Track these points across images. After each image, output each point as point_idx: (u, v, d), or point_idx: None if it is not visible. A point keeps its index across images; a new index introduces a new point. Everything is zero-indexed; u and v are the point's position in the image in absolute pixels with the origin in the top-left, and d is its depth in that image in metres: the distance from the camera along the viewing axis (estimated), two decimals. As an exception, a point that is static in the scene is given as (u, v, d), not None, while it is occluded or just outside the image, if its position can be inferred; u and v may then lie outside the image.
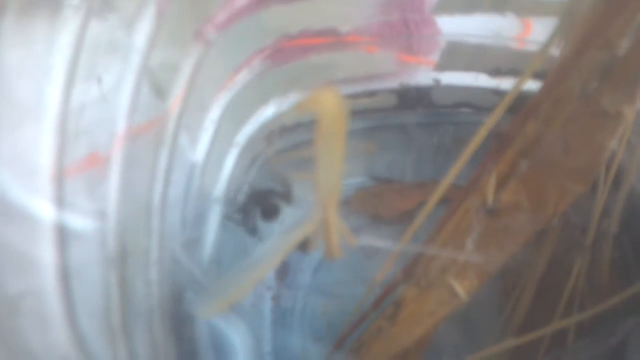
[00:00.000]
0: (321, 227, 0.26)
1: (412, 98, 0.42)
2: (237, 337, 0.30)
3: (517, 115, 0.30)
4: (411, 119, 0.44)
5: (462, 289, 0.32)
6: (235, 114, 0.38)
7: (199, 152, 0.34)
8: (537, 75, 0.36)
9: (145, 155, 0.28)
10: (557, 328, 0.35)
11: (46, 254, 0.18)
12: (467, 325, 0.40)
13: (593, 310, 0.34)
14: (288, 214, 0.40)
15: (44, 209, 0.18)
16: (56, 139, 0.19)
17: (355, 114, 0.44)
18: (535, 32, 0.39)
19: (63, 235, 0.18)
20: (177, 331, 0.28)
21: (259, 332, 0.45)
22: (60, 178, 0.19)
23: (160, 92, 0.29)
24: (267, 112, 0.40)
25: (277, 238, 0.27)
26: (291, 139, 0.43)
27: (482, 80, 0.41)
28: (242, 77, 0.36)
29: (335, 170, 0.23)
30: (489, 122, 0.31)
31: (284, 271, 0.47)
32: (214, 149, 0.36)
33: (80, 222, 0.20)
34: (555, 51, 0.31)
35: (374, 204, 0.47)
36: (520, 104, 0.31)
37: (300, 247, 0.48)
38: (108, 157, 0.24)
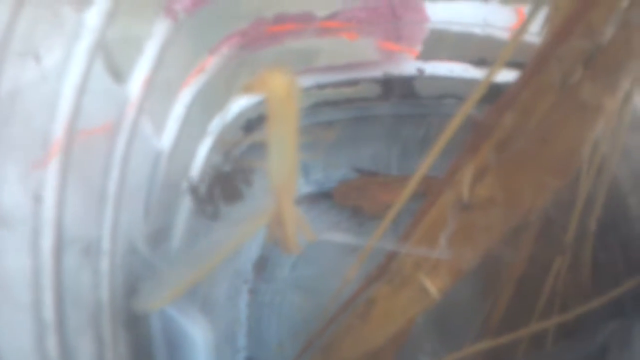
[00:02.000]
0: (276, 219, 0.25)
1: (396, 88, 0.41)
2: (197, 332, 0.29)
3: (495, 105, 0.29)
4: (395, 110, 0.42)
5: (433, 286, 0.30)
6: (207, 101, 0.36)
7: (165, 139, 0.33)
8: (515, 65, 0.34)
9: (98, 141, 0.26)
10: (536, 330, 0.33)
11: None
12: (443, 326, 0.38)
13: (573, 312, 0.32)
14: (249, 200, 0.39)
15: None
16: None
17: (337, 104, 0.42)
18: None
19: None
20: (129, 327, 0.27)
21: (234, 326, 0.44)
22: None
23: (117, 73, 0.27)
24: (243, 100, 0.39)
25: (231, 227, 0.26)
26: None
27: (467, 71, 0.39)
28: (215, 61, 0.35)
29: (288, 157, 0.21)
30: (461, 113, 0.29)
31: (262, 265, 0.46)
32: (183, 137, 0.35)
33: (8, 205, 0.18)
34: (533, 39, 0.30)
35: (357, 197, 0.46)
36: (498, 93, 0.30)
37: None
38: (49, 142, 0.22)
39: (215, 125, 0.38)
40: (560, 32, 0.27)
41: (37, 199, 0.21)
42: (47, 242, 0.20)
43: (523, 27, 0.28)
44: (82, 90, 0.24)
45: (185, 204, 0.37)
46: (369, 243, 0.32)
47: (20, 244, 0.20)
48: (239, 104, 0.39)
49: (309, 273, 0.45)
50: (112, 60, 0.26)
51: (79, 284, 0.23)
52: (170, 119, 0.33)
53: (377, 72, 0.40)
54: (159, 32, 0.30)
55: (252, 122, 0.41)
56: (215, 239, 0.25)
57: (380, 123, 0.44)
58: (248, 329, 0.44)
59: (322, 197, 0.46)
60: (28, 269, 0.19)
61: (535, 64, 0.28)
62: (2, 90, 0.20)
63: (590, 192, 0.31)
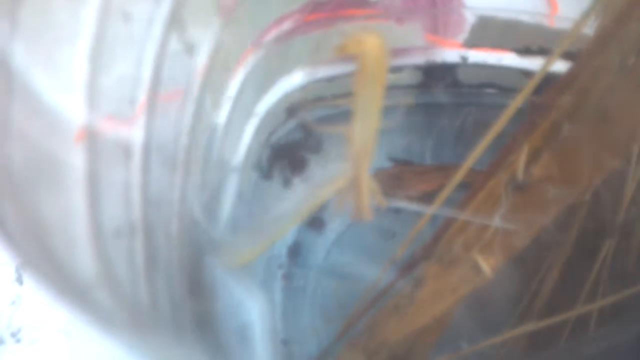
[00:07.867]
0: (351, 185, 0.25)
1: (438, 76, 0.41)
2: (254, 305, 0.29)
3: (553, 87, 0.29)
4: (435, 99, 0.43)
5: (487, 265, 0.31)
6: (257, 81, 0.37)
7: (220, 116, 0.34)
8: (567, 56, 0.35)
9: (170, 108, 0.27)
10: (579, 313, 0.34)
11: (75, 159, 0.17)
12: (485, 311, 0.39)
13: (618, 295, 0.33)
14: (316, 168, 0.39)
15: (77, 112, 0.17)
16: (90, 62, 0.18)
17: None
18: (563, 11, 0.38)
19: (93, 143, 0.17)
20: (196, 296, 0.27)
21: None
22: (94, 90, 0.18)
23: (189, 46, 0.28)
24: (290, 82, 0.39)
25: (303, 194, 0.26)
26: (313, 113, 0.42)
27: (510, 59, 0.40)
28: (268, 41, 0.36)
29: (371, 122, 0.22)
30: (515, 103, 0.30)
31: (296, 250, 0.46)
32: (234, 115, 0.35)
33: (101, 155, 0.19)
34: (587, 30, 0.30)
35: (393, 185, 0.46)
36: (547, 85, 0.30)
37: (313, 225, 0.47)
38: (136, 101, 0.23)
39: (262, 106, 0.39)
40: (620, 15, 0.28)
41: (127, 153, 0.21)
42: (137, 197, 0.21)
43: (586, 16, 0.29)
44: (162, 55, 0.24)
45: (232, 186, 0.37)
46: (428, 210, 0.32)
47: (114, 196, 0.20)
48: (284, 86, 0.40)
49: (343, 259, 0.46)
50: (185, 31, 0.27)
51: (157, 243, 0.23)
52: (224, 96, 0.34)
53: (421, 59, 0.41)
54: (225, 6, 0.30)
55: (295, 106, 0.41)
56: (290, 204, 0.26)
57: (419, 111, 0.44)
58: (282, 314, 0.44)
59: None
60: (122, 221, 0.20)
61: (594, 46, 0.28)
62: (100, 42, 0.20)
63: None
